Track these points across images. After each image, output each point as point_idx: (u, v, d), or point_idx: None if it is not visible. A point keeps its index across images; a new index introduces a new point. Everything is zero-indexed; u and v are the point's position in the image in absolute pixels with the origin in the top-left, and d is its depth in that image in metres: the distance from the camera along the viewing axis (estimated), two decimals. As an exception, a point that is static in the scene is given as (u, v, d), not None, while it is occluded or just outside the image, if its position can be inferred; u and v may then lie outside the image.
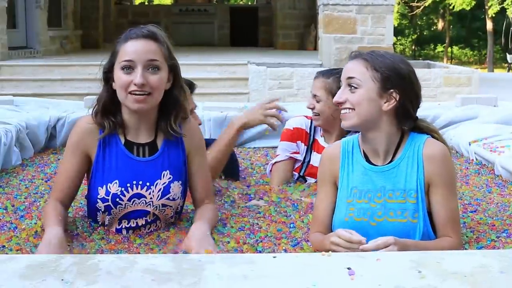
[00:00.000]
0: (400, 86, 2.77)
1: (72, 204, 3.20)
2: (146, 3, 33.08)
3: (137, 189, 3.00)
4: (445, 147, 2.86)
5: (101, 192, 2.98)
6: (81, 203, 3.46)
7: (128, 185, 2.99)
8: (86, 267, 2.07)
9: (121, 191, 2.98)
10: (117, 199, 2.98)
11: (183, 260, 2.15)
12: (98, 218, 3.06)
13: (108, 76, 3.03)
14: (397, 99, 2.76)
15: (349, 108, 2.76)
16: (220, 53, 15.92)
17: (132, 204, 3.00)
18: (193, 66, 12.36)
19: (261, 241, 2.94)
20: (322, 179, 2.96)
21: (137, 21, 18.83)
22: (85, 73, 12.04)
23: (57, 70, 12.42)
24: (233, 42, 20.97)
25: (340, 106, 2.79)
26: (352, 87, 2.76)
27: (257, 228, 3.13)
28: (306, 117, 4.36)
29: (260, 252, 2.80)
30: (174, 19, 21.26)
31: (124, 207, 3.00)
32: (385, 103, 2.76)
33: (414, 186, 2.76)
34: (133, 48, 2.93)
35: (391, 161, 2.81)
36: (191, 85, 4.10)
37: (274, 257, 2.18)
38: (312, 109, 4.07)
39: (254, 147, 5.65)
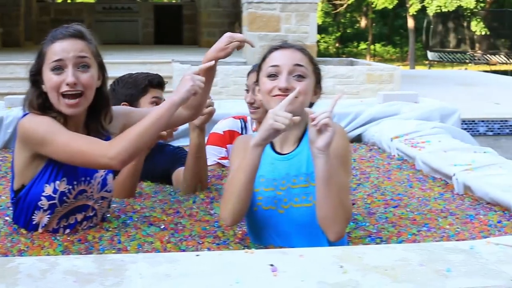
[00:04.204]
0: (320, 81, 2.93)
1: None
2: (69, 1, 32.58)
3: (81, 185, 3.00)
4: (341, 126, 2.94)
5: (48, 189, 2.94)
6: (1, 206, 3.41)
7: (75, 182, 2.98)
8: (6, 270, 2.04)
9: (68, 189, 2.96)
10: (64, 197, 2.96)
11: (105, 260, 2.14)
12: (34, 217, 2.99)
13: (36, 78, 2.97)
14: (321, 93, 2.92)
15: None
16: (144, 51, 15.84)
17: (76, 201, 3.00)
18: (117, 64, 12.22)
19: (185, 240, 2.93)
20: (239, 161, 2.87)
21: (59, 19, 18.58)
22: (6, 72, 11.82)
23: (-24, 69, 12.15)
24: (158, 40, 20.86)
25: (283, 92, 2.77)
26: (300, 76, 2.81)
27: (180, 228, 3.11)
28: (234, 117, 4.36)
29: (183, 251, 2.78)
30: (97, 17, 21.05)
31: (69, 205, 2.98)
32: (313, 95, 2.89)
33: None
34: (61, 48, 2.90)
35: (296, 147, 2.85)
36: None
37: (197, 255, 2.19)
38: (252, 103, 4.05)
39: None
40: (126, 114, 3.20)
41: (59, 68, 2.88)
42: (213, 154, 4.18)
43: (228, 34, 3.09)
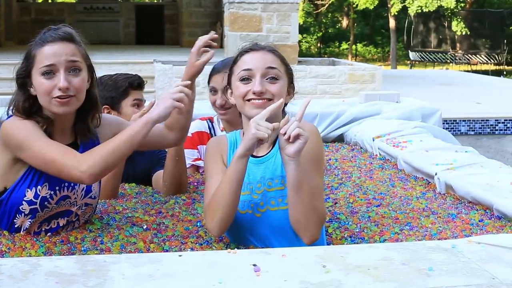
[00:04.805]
0: (292, 80, 2.95)
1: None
2: (50, 1, 32.41)
3: (63, 191, 2.96)
4: (313, 125, 2.96)
5: (29, 194, 2.90)
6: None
7: (57, 188, 2.94)
8: (-13, 271, 2.02)
9: (50, 194, 2.93)
10: (46, 203, 2.93)
11: (88, 261, 2.13)
12: (16, 221, 2.97)
13: (24, 81, 2.93)
14: (294, 92, 2.94)
15: (268, 99, 2.77)
16: (125, 51, 15.80)
17: (58, 207, 2.97)
18: (98, 64, 12.08)
19: (168, 240, 2.92)
20: (215, 162, 2.89)
21: (40, 19, 18.53)
22: (-14, 73, 11.73)
23: (-44, 70, 12.05)
24: (139, 41, 20.82)
25: (257, 96, 2.78)
26: (273, 78, 2.81)
27: (163, 228, 3.10)
28: (201, 119, 4.35)
29: (167, 251, 2.78)
30: (79, 17, 20.96)
31: (51, 210, 2.95)
32: (287, 96, 2.90)
33: None
34: (53, 51, 2.85)
35: (270, 150, 2.85)
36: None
37: (180, 255, 2.18)
38: (223, 105, 4.02)
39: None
40: (118, 125, 3.14)
41: (50, 72, 2.85)
42: (186, 157, 4.15)
43: (193, 50, 3.13)
